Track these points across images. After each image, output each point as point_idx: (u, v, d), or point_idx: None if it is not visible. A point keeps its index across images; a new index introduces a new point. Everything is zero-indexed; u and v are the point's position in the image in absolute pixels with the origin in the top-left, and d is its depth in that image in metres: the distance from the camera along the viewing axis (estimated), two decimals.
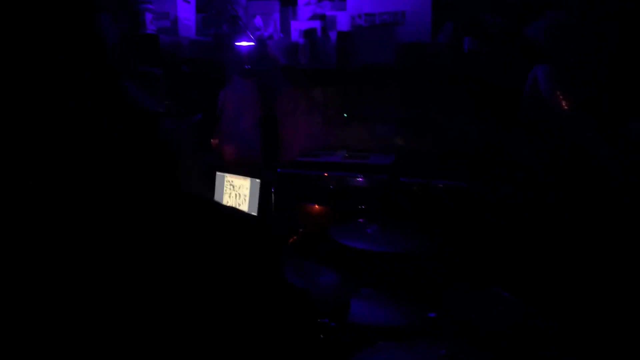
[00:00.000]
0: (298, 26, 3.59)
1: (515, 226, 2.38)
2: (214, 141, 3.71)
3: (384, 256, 2.25)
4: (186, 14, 3.69)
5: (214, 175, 3.51)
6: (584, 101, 2.50)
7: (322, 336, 2.01)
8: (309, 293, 2.24)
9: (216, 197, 3.48)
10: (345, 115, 3.59)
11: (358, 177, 2.99)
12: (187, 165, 3.46)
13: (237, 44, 3.40)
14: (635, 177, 2.07)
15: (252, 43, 3.40)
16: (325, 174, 3.18)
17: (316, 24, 3.53)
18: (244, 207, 3.37)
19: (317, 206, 3.07)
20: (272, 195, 3.17)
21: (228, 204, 3.44)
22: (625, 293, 1.93)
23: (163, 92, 2.93)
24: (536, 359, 1.51)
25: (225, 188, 3.47)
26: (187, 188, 3.27)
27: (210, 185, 3.52)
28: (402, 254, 2.24)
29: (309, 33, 3.42)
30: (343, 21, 3.45)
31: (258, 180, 3.33)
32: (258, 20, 3.74)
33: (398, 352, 1.33)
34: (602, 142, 2.27)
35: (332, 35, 3.34)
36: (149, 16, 3.53)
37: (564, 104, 2.55)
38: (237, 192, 3.41)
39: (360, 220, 2.44)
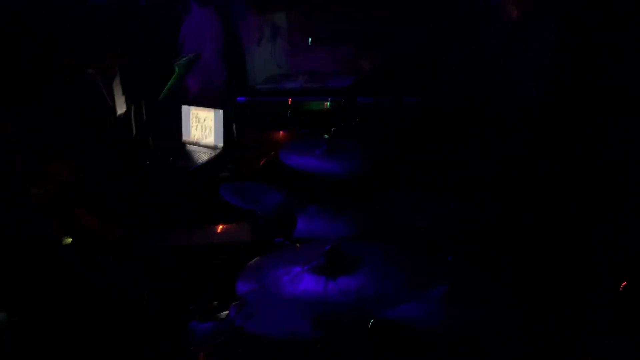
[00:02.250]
0: None
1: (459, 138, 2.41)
2: None
3: (329, 176, 2.28)
4: None
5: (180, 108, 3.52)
6: (532, 5, 2.44)
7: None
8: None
9: (184, 132, 3.51)
10: (309, 40, 3.54)
11: (317, 101, 2.99)
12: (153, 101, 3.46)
13: None
14: None
15: None
16: (290, 100, 3.18)
17: None
18: (210, 139, 3.40)
19: (278, 132, 3.09)
20: (234, 125, 3.18)
21: (195, 138, 3.47)
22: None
23: (108, 26, 2.89)
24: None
25: (191, 121, 3.49)
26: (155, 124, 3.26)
27: (177, 118, 3.54)
28: (348, 174, 2.27)
29: None
30: None
31: (221, 111, 3.33)
32: None
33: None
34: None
35: None
36: None
37: (512, 9, 2.49)
38: (202, 124, 3.43)
39: (310, 141, 2.46)
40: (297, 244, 1.66)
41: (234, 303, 1.84)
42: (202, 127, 3.43)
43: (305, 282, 1.24)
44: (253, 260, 1.42)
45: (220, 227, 2.83)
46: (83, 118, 2.17)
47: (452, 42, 2.68)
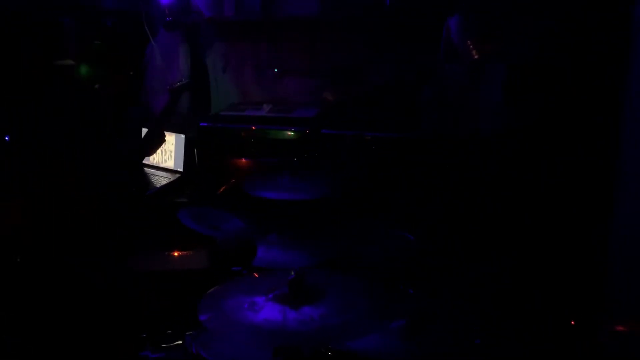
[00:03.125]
0: None
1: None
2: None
3: (292, 204, 2.28)
4: None
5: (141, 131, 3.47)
6: (491, 49, 2.55)
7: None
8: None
9: None
10: (275, 70, 3.56)
11: (279, 130, 3.00)
12: (114, 121, 3.40)
13: None
14: None
15: None
16: (253, 127, 3.17)
17: None
18: (170, 163, 3.35)
19: (240, 159, 3.07)
20: (195, 150, 3.15)
21: (154, 161, 3.42)
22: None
23: (73, 43, 2.85)
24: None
25: None
26: (115, 145, 3.22)
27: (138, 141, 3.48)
28: (310, 202, 2.27)
29: None
30: None
31: (183, 135, 3.31)
32: None
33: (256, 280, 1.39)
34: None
35: None
36: None
37: (473, 52, 2.60)
38: (163, 147, 3.37)
39: (274, 171, 2.46)
40: (255, 273, 1.63)
41: (188, 332, 1.79)
42: (162, 150, 3.38)
43: (266, 311, 1.22)
44: (213, 288, 1.39)
45: (177, 253, 2.76)
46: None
47: (420, 79, 2.79)
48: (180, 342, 1.80)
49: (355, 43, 3.29)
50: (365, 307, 1.24)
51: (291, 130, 2.97)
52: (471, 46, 2.62)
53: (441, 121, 2.56)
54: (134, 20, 3.48)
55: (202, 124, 3.16)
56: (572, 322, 2.06)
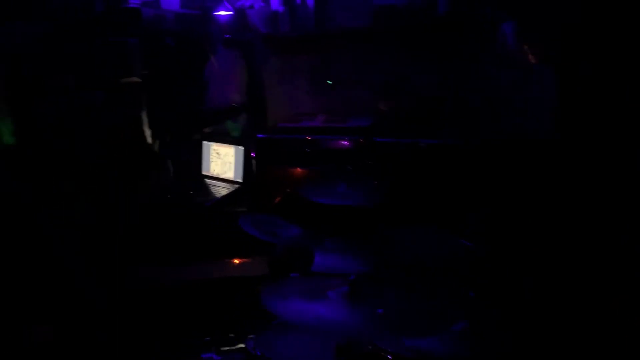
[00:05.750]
0: None
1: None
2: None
3: (347, 210, 2.32)
4: None
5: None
6: (546, 54, 2.52)
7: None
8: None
9: (203, 165, 3.60)
10: (329, 82, 3.63)
11: (335, 139, 3.06)
12: (177, 135, 3.57)
13: (215, 13, 3.45)
14: None
15: (230, 12, 3.45)
16: (308, 138, 3.24)
17: None
18: (230, 174, 3.47)
19: (296, 169, 3.15)
20: (252, 160, 3.26)
21: (214, 172, 3.55)
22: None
23: (138, 62, 3.02)
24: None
25: (211, 156, 3.57)
26: (176, 156, 3.39)
27: (198, 152, 3.64)
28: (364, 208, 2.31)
29: (288, 0, 3.45)
30: None
31: (242, 148, 3.42)
32: None
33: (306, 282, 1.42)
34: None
35: (310, 1, 3.36)
36: None
37: (529, 57, 2.57)
38: (223, 159, 3.51)
39: (331, 179, 2.52)
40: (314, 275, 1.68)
41: (250, 335, 1.86)
42: (222, 162, 3.51)
43: (327, 310, 1.26)
44: (271, 288, 1.44)
45: (238, 260, 2.86)
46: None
47: (468, 85, 2.79)
48: (242, 345, 1.87)
49: (408, 52, 3.32)
50: (424, 308, 1.26)
51: (345, 140, 3.02)
52: (527, 50, 2.60)
53: (487, 126, 2.56)
54: (195, 38, 3.65)
55: (259, 135, 3.27)
56: None
